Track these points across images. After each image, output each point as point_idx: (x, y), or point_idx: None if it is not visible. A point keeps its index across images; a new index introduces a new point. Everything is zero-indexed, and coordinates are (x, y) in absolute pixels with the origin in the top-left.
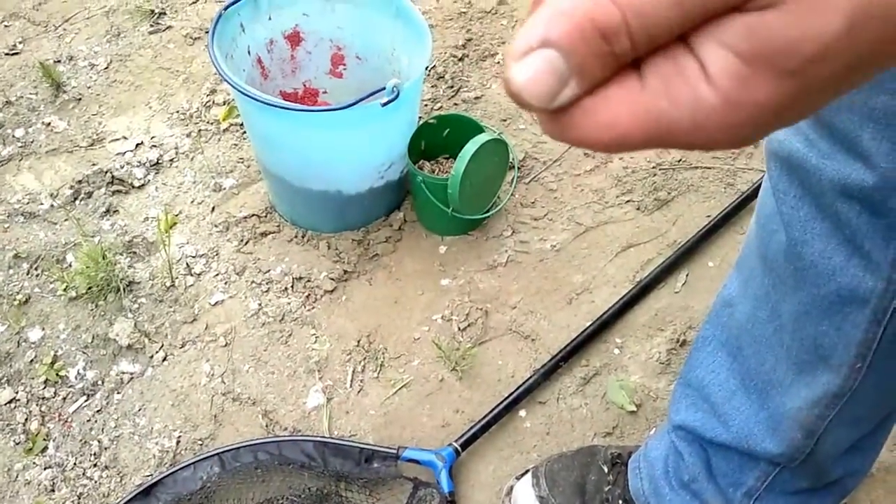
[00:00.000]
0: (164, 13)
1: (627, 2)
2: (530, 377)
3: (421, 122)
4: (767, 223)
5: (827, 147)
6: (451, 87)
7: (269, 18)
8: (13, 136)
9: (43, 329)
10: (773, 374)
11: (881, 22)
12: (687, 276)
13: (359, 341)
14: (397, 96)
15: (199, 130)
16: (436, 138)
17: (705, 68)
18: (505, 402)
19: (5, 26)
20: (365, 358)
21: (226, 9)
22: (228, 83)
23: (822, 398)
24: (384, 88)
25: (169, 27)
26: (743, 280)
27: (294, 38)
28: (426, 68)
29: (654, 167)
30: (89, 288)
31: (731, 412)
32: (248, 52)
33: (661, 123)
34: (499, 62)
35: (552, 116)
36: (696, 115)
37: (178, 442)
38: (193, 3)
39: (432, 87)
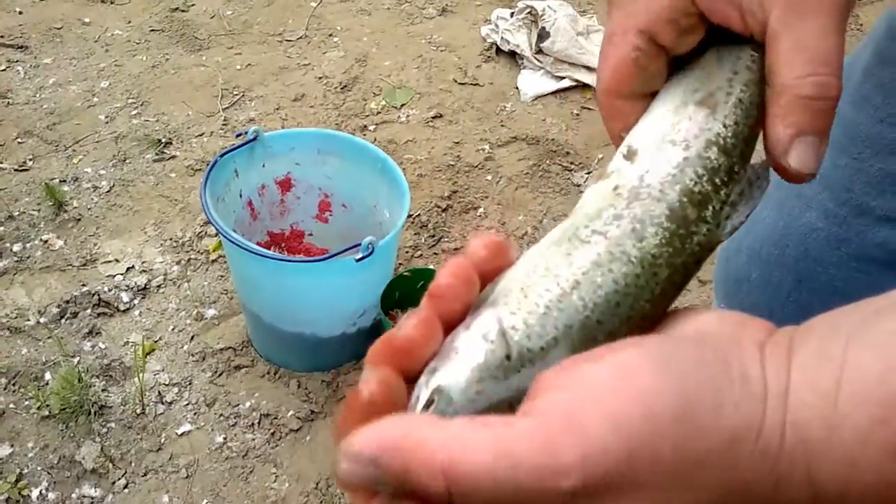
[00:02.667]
0: (171, 142)
1: (460, 484)
2: None
3: (396, 274)
4: None
5: None
6: (433, 236)
7: (263, 166)
8: (11, 251)
9: (12, 446)
10: None
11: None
12: None
13: (317, 484)
14: (372, 252)
15: (189, 259)
16: (410, 289)
17: None
18: None
19: (18, 143)
20: (322, 502)
21: (222, 156)
22: (215, 227)
23: None
24: (360, 244)
25: (173, 157)
26: None
27: (285, 185)
28: (404, 222)
29: None
30: (62, 408)
31: None
32: (240, 196)
33: None
34: (480, 215)
35: None
36: None
37: None
38: (199, 135)
39: (415, 234)
